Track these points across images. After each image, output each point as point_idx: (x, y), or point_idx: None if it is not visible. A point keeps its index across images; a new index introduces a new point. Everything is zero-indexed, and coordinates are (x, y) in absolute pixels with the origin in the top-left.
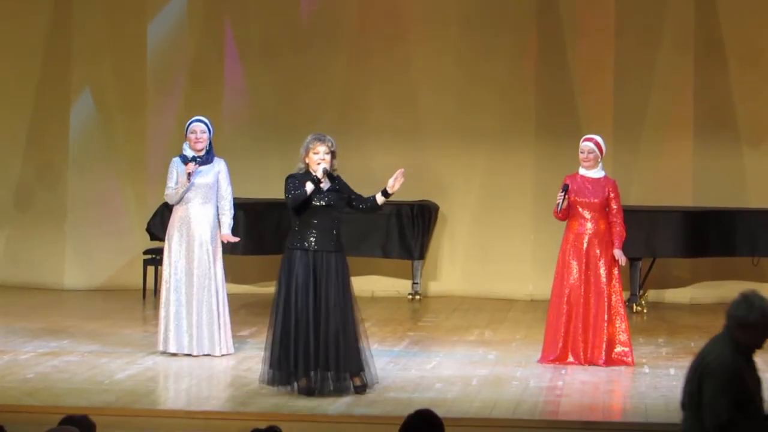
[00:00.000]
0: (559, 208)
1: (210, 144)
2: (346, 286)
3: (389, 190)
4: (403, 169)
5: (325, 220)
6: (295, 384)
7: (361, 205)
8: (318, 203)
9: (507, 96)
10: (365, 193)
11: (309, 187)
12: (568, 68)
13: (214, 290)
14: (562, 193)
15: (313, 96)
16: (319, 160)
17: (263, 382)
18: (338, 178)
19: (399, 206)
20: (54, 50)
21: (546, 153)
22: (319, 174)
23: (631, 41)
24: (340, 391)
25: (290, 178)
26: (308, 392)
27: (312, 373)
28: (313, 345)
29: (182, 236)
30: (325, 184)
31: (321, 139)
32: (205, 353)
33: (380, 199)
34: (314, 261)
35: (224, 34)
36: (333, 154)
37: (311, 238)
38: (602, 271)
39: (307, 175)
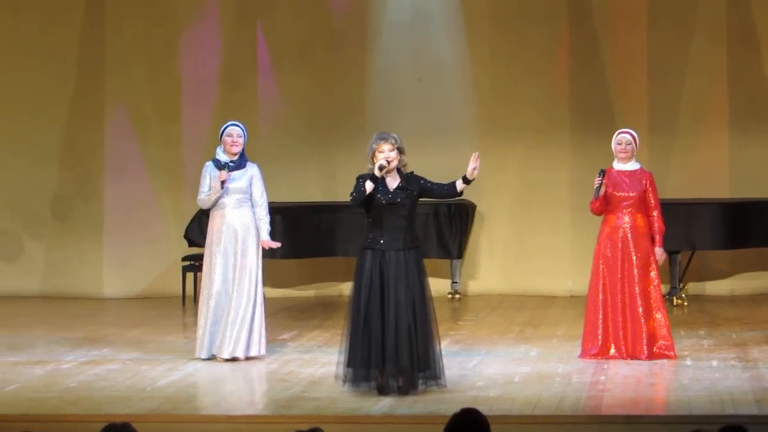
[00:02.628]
0: (596, 194)
1: (243, 149)
2: (419, 284)
3: (469, 177)
4: (477, 153)
5: (392, 219)
6: (372, 382)
7: (441, 194)
8: (384, 202)
9: (541, 91)
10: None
11: (368, 185)
12: (601, 61)
13: (253, 294)
14: (600, 178)
15: (346, 96)
16: (383, 158)
17: (340, 380)
18: (410, 174)
19: (436, 206)
20: (87, 60)
21: (582, 147)
22: (376, 170)
23: (663, 32)
24: (408, 389)
25: (358, 178)
26: (380, 391)
27: (383, 371)
28: (383, 344)
29: (220, 242)
30: (393, 182)
31: (384, 138)
32: (242, 356)
33: (460, 185)
34: (382, 260)
35: (256, 38)
36: (400, 150)
37: (379, 238)
38: (640, 264)
39: (371, 178)
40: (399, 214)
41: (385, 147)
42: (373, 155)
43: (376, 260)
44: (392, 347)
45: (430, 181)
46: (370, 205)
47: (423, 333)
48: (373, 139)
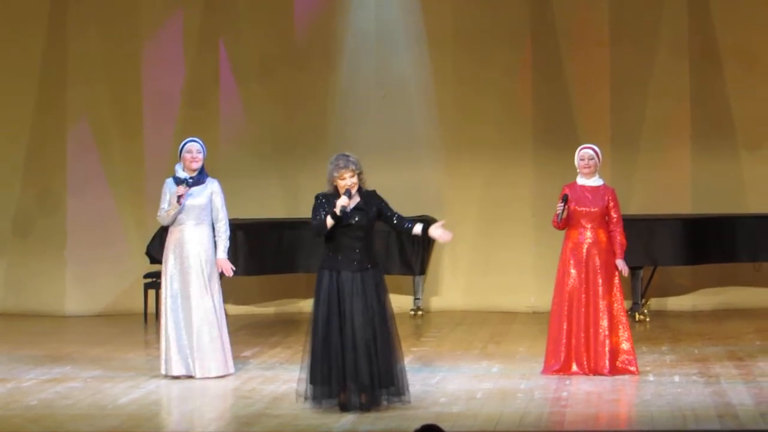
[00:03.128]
0: (559, 219)
1: (203, 165)
2: (378, 301)
3: (430, 233)
4: (449, 235)
5: (347, 239)
6: (334, 399)
7: (395, 224)
8: (339, 225)
9: (504, 109)
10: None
11: (329, 221)
12: (564, 79)
13: (212, 310)
14: (562, 204)
15: (309, 114)
16: (345, 186)
17: (302, 397)
18: (370, 193)
19: None
20: (49, 75)
21: (544, 164)
22: (337, 210)
23: (626, 50)
24: (371, 406)
25: (318, 199)
26: (342, 407)
27: (345, 388)
28: (342, 361)
29: (176, 258)
30: (351, 202)
31: (345, 166)
32: (206, 375)
33: (417, 230)
34: (338, 280)
35: (219, 55)
36: (360, 173)
37: (335, 259)
38: (602, 280)
39: (335, 195)
40: (354, 235)
41: (347, 174)
42: (334, 180)
43: (333, 279)
44: (352, 364)
45: (389, 208)
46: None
47: (384, 350)
48: (332, 164)
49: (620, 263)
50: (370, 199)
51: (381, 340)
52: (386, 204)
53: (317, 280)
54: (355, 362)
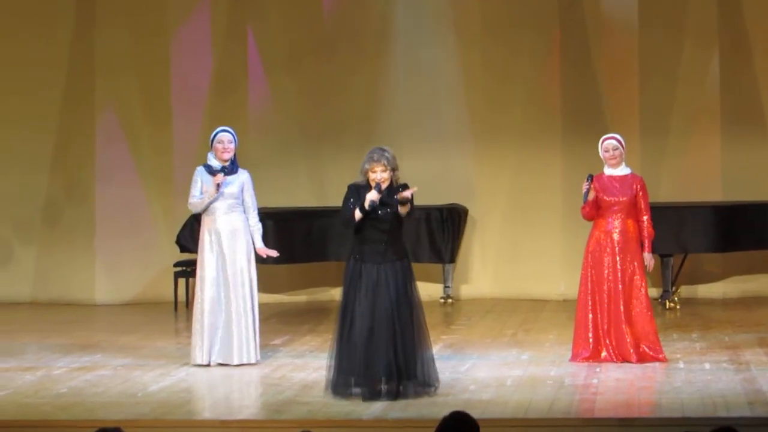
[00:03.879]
0: (585, 199)
1: (234, 154)
2: (405, 292)
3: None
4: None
5: (372, 232)
6: (356, 389)
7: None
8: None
9: (533, 95)
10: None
11: (358, 214)
12: (592, 65)
13: (246, 299)
14: (587, 183)
15: (338, 102)
16: (374, 180)
17: (328, 388)
18: (398, 187)
19: (428, 210)
20: (77, 65)
21: (573, 151)
22: (366, 204)
23: (655, 36)
24: (396, 397)
25: (349, 190)
26: (366, 398)
27: (367, 379)
28: (366, 352)
29: (213, 247)
30: (379, 197)
31: (377, 160)
32: (238, 363)
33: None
34: (363, 270)
35: (247, 44)
36: (394, 169)
37: (361, 250)
38: (628, 268)
39: (366, 188)
40: (379, 228)
41: (378, 168)
42: (366, 173)
43: (358, 269)
44: (373, 356)
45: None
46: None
47: (410, 341)
48: (367, 156)
49: (647, 257)
50: (395, 192)
51: (406, 331)
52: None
53: (345, 269)
54: (380, 352)
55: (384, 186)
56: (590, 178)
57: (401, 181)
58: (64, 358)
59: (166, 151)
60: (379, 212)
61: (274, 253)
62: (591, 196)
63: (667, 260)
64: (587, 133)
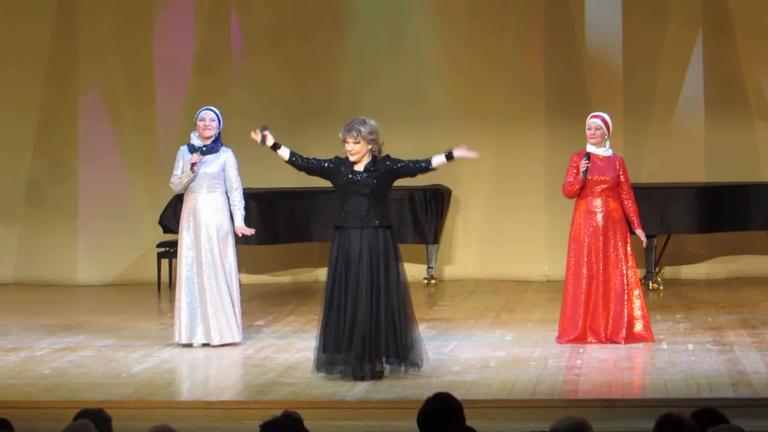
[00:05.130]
0: (584, 177)
1: (219, 134)
2: (389, 269)
3: (456, 156)
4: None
5: (354, 198)
6: (343, 367)
7: (411, 168)
8: (344, 179)
9: (516, 76)
10: None
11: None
12: (576, 48)
13: (225, 279)
14: (586, 161)
15: (321, 82)
16: (348, 151)
17: (314, 366)
18: (383, 158)
19: (411, 191)
20: (60, 45)
21: (557, 133)
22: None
23: (638, 18)
24: (382, 375)
25: (332, 158)
26: (354, 376)
27: (352, 357)
28: (352, 330)
29: (191, 227)
30: (360, 166)
31: (348, 130)
32: (220, 343)
33: (438, 161)
34: (347, 242)
35: (230, 23)
36: (370, 141)
37: (343, 215)
38: (617, 248)
39: (346, 162)
40: (360, 193)
41: (350, 139)
42: (343, 144)
43: (342, 241)
44: (361, 333)
45: (400, 160)
46: (337, 183)
47: (395, 318)
48: (344, 126)
49: (640, 233)
50: (379, 163)
51: (392, 309)
52: (397, 160)
53: (331, 240)
54: (366, 330)
55: (354, 157)
56: (588, 156)
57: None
58: (47, 339)
59: (149, 132)
60: (361, 176)
61: (249, 231)
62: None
63: (651, 241)
64: (571, 114)
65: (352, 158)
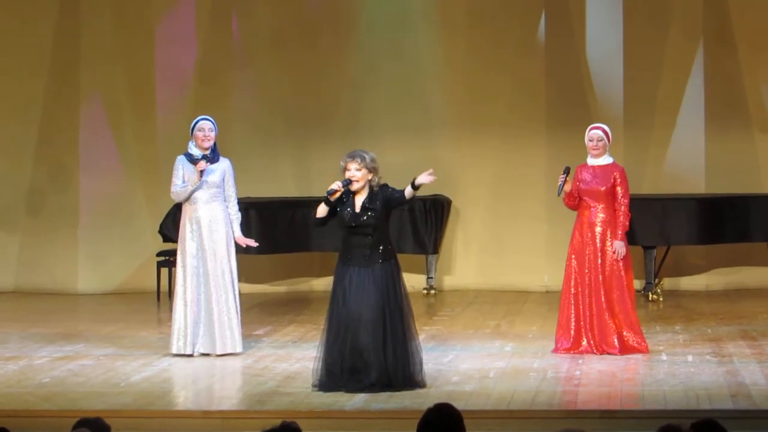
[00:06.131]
0: (559, 191)
1: (215, 143)
2: (391, 297)
3: (417, 182)
4: (432, 170)
5: (357, 238)
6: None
7: (403, 201)
8: (346, 224)
9: (517, 85)
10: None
11: (321, 209)
12: (577, 57)
13: (227, 289)
14: (564, 176)
15: (322, 90)
16: (348, 177)
17: (315, 386)
18: (379, 188)
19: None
20: (62, 53)
21: (557, 142)
22: (327, 191)
23: (639, 27)
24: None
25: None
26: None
27: (350, 382)
28: (353, 357)
29: (193, 236)
30: (359, 200)
31: (352, 156)
32: (219, 353)
33: (409, 192)
34: (351, 274)
35: (231, 31)
36: (371, 170)
37: (347, 254)
38: (616, 260)
39: (346, 192)
40: (363, 233)
41: (352, 166)
42: (344, 172)
43: (346, 275)
44: (359, 357)
45: (394, 191)
46: (341, 225)
47: (398, 344)
48: (344, 157)
49: (617, 245)
50: (375, 196)
51: (395, 334)
52: (391, 190)
53: (335, 270)
54: (366, 354)
55: (357, 185)
56: (567, 170)
57: (383, 180)
58: (47, 348)
59: (150, 141)
60: (363, 218)
61: (252, 243)
62: (567, 188)
63: (651, 252)
64: (571, 123)
65: (354, 186)
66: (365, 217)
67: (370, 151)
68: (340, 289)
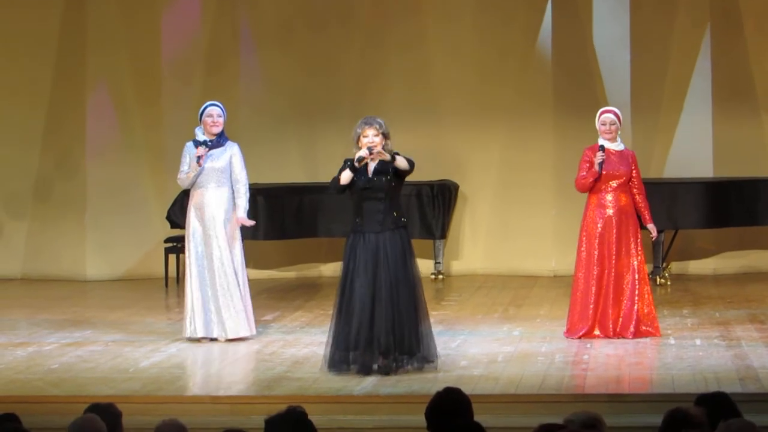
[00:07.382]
0: (600, 169)
1: (222, 128)
2: (404, 267)
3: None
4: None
5: (369, 202)
6: (353, 365)
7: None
8: (359, 186)
9: (524, 70)
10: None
11: (345, 176)
12: (585, 42)
13: (232, 273)
14: (602, 153)
15: (329, 76)
16: (367, 144)
17: (325, 365)
18: (394, 156)
19: (419, 186)
20: (69, 40)
21: (565, 127)
22: (356, 161)
23: (647, 12)
24: (389, 371)
25: (345, 161)
26: (362, 372)
27: (364, 353)
28: (362, 327)
29: (198, 221)
30: (372, 165)
31: (369, 123)
32: (230, 337)
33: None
34: (363, 244)
35: (238, 18)
36: (385, 135)
37: (359, 221)
38: (627, 243)
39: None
40: (375, 197)
41: (370, 132)
42: (358, 140)
43: (357, 243)
44: (373, 329)
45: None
46: (351, 188)
47: (407, 316)
48: (358, 124)
49: (651, 227)
50: (388, 162)
51: (404, 306)
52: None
53: (345, 243)
54: (378, 327)
55: (376, 149)
56: (602, 148)
57: (393, 150)
58: (56, 334)
59: (157, 127)
60: (374, 179)
61: (250, 223)
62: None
63: (659, 236)
64: (579, 108)
65: (374, 152)
66: (378, 179)
67: (378, 117)
68: (351, 259)
